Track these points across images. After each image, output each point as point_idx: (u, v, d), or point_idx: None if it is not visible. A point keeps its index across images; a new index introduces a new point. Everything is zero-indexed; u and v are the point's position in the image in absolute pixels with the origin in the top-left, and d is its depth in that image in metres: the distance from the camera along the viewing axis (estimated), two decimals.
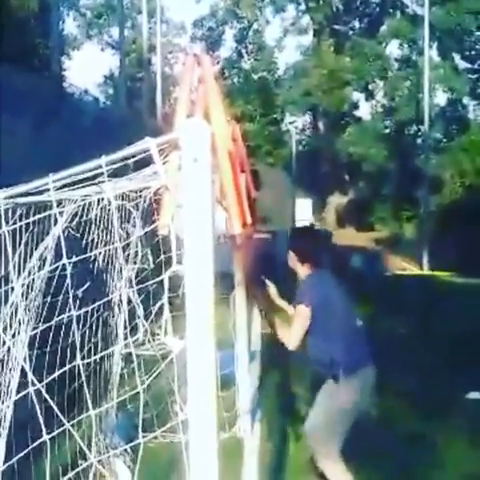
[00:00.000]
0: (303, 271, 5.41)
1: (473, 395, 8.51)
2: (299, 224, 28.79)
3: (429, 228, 32.71)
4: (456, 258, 25.14)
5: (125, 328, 4.81)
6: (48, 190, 2.37)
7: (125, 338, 4.89)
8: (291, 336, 5.07)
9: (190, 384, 2.05)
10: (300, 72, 49.03)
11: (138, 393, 2.49)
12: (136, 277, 3.98)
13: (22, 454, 2.89)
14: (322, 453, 5.03)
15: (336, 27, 49.33)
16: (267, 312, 5.41)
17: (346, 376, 4.92)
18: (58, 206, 2.52)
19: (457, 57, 48.82)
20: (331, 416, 4.99)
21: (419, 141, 47.92)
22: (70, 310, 2.64)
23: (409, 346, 11.01)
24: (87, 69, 66.85)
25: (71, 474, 2.86)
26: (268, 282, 5.61)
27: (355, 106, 51.16)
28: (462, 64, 48.88)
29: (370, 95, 51.47)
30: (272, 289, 5.67)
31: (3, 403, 3.02)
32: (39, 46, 29.17)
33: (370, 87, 50.64)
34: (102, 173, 2.26)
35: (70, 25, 52.38)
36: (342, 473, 5.01)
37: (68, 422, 2.68)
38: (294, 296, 5.32)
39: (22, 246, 2.96)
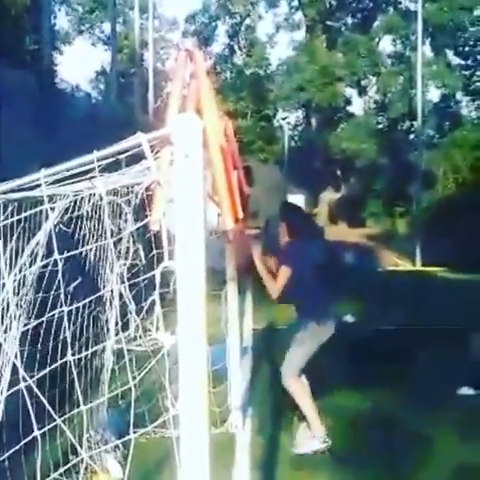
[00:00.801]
0: (286, 238, 6.72)
1: (464, 390, 8.53)
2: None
3: (422, 224, 32.73)
4: (449, 254, 25.16)
5: (117, 324, 4.80)
6: (39, 185, 2.37)
7: (117, 334, 4.88)
8: (274, 289, 6.51)
9: (181, 379, 2.05)
10: (293, 68, 48.94)
11: (129, 389, 2.49)
12: (128, 273, 3.97)
13: (13, 450, 2.89)
14: (288, 374, 6.52)
15: (329, 23, 49.30)
16: (259, 270, 6.61)
17: (312, 325, 6.54)
18: (50, 201, 2.51)
19: (450, 53, 48.81)
20: (299, 351, 6.57)
21: (412, 137, 47.93)
22: (61, 306, 2.64)
23: (400, 341, 11.01)
24: (79, 64, 66.56)
25: (62, 469, 2.86)
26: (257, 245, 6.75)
27: (348, 102, 51.11)
28: (455, 60, 48.91)
29: (363, 91, 51.45)
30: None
31: None
32: (30, 41, 29.04)
33: (363, 83, 50.61)
34: (94, 168, 2.25)
35: (61, 20, 52.21)
36: (302, 387, 6.60)
37: (59, 418, 2.68)
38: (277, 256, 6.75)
39: (13, 241, 2.95)
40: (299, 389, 6.59)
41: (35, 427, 2.43)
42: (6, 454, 2.87)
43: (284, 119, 53.56)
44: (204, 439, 2.04)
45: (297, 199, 41.19)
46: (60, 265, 2.53)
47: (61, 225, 3.19)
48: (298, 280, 6.52)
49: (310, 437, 6.59)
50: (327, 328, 6.66)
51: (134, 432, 2.53)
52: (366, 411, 7.79)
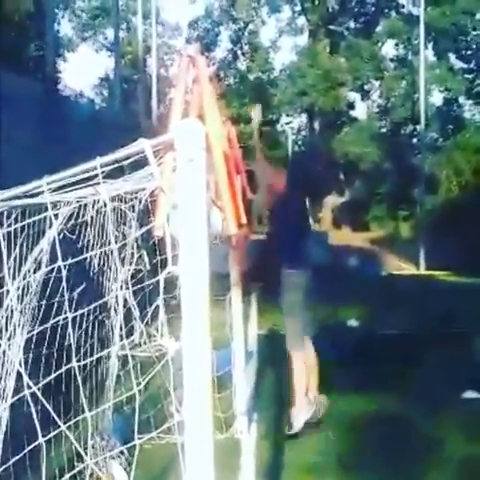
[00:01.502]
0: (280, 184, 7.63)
1: (469, 394, 8.53)
2: None
3: (425, 227, 32.70)
4: (453, 257, 25.13)
5: (121, 330, 4.81)
6: (43, 192, 2.36)
7: (121, 340, 4.88)
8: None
9: (186, 385, 2.05)
10: (295, 72, 48.94)
11: (134, 394, 2.48)
12: (132, 278, 3.98)
13: (18, 457, 2.89)
14: (290, 344, 7.10)
15: (331, 27, 49.32)
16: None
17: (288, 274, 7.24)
18: (53, 208, 2.51)
19: (452, 57, 48.77)
20: (289, 319, 7.20)
21: (415, 141, 47.91)
22: (66, 312, 2.64)
23: (404, 345, 11.00)
24: (82, 71, 66.71)
25: (67, 476, 2.85)
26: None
27: (351, 106, 51.10)
28: (457, 64, 48.87)
29: (366, 95, 51.46)
30: None
31: None
32: (34, 47, 29.14)
33: (366, 87, 50.59)
34: (97, 175, 2.25)
35: (65, 27, 52.34)
36: (300, 360, 7.03)
37: (64, 424, 2.68)
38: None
39: (17, 249, 2.95)
40: (297, 360, 7.05)
41: (40, 434, 2.42)
42: (11, 461, 2.87)
43: (287, 124, 53.60)
44: (209, 445, 2.03)
45: None
46: (64, 272, 2.53)
47: (65, 232, 3.19)
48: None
49: (297, 411, 7.02)
50: (302, 274, 7.27)
51: (139, 438, 2.52)
52: (371, 415, 7.79)
